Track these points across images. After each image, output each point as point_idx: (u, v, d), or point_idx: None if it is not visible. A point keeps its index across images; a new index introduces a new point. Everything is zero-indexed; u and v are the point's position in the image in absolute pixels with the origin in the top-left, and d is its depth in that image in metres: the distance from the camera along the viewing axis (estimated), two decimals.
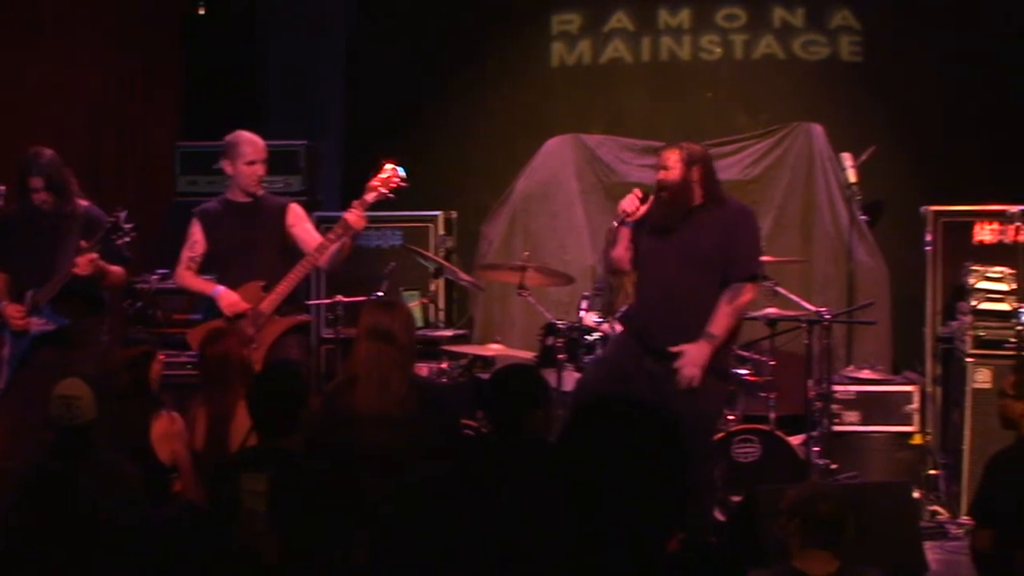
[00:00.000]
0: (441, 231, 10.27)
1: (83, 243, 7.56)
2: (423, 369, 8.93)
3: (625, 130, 11.05)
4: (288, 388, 5.75)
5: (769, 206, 10.56)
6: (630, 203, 7.36)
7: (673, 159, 7.33)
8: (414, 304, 9.53)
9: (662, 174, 7.36)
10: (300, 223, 8.08)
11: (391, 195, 7.93)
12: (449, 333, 9.79)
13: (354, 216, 7.80)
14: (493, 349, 9.21)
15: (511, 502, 5.21)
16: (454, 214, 10.52)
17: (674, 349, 7.09)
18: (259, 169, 8.03)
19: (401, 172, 7.90)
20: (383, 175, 7.88)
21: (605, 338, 8.57)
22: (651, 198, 7.33)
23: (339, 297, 8.85)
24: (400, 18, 11.45)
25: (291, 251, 7.95)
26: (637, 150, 10.80)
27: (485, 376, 8.82)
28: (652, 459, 3.22)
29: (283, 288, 7.80)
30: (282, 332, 7.81)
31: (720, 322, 7.15)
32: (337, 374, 7.89)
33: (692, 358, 7.08)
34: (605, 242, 7.70)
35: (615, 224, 7.47)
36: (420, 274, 9.69)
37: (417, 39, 11.36)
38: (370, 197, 7.84)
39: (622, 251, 7.47)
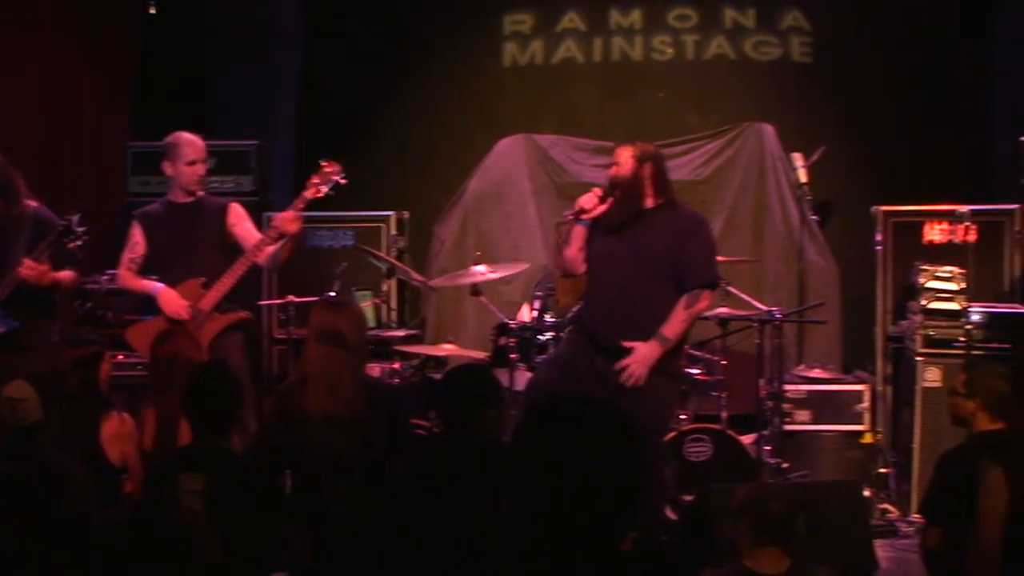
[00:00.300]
0: (393, 231, 10.25)
1: (35, 252, 7.51)
2: (375, 369, 8.91)
3: (577, 130, 11.05)
4: (222, 388, 5.75)
5: (720, 206, 10.58)
6: (588, 200, 7.37)
7: (625, 155, 7.37)
8: (366, 304, 9.51)
9: (614, 170, 7.40)
10: (241, 222, 8.06)
11: (332, 192, 7.90)
12: (401, 333, 9.77)
13: (287, 219, 7.76)
14: (445, 349, 9.19)
15: (464, 502, 5.20)
16: (406, 214, 10.49)
17: (627, 344, 7.09)
18: (199, 169, 8.02)
19: (338, 168, 7.86)
20: (321, 173, 7.86)
21: (557, 338, 8.57)
22: (609, 201, 7.34)
23: (291, 297, 8.83)
24: (352, 18, 11.40)
25: (232, 251, 7.93)
26: (589, 150, 10.80)
27: (437, 376, 8.81)
28: (604, 459, 3.21)
29: (222, 285, 7.78)
30: (222, 329, 7.78)
31: (674, 326, 7.16)
32: (288, 375, 7.86)
33: (641, 357, 7.09)
34: (556, 239, 7.69)
35: (569, 218, 7.46)
36: (372, 274, 9.66)
37: (369, 39, 11.32)
38: (309, 194, 7.82)
39: (575, 252, 7.46)
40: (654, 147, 7.60)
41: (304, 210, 7.82)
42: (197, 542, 5.37)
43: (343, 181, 7.88)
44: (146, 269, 8.02)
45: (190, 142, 8.02)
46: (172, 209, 8.07)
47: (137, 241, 8.04)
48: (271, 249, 7.82)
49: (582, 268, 7.51)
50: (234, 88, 11.35)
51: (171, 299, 7.78)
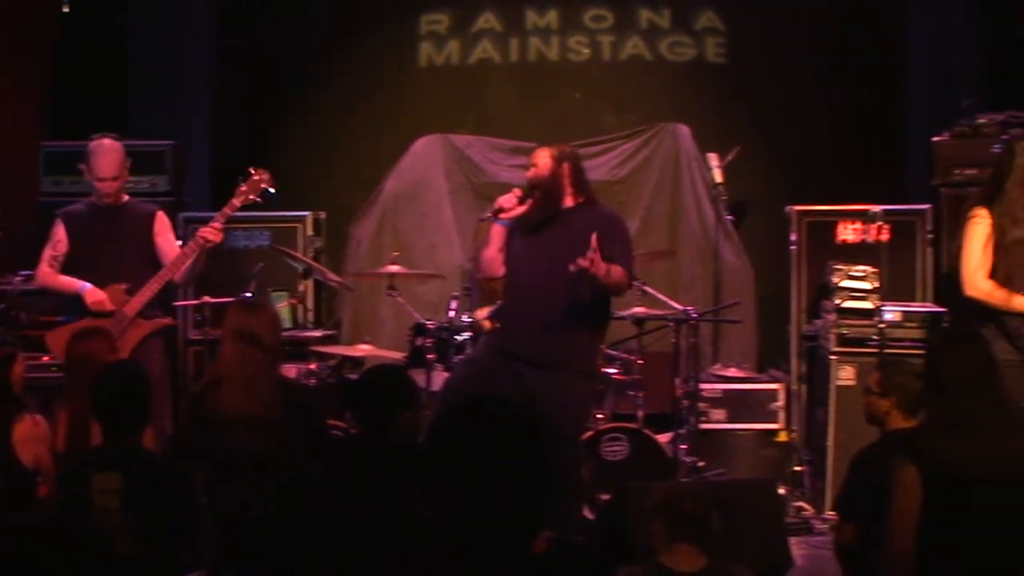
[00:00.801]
0: (309, 231, 10.20)
1: None
2: (291, 370, 8.85)
3: (494, 130, 11.06)
4: (130, 387, 5.71)
5: (636, 206, 10.62)
6: (508, 200, 7.37)
7: (543, 156, 7.38)
8: (283, 305, 9.45)
9: (532, 172, 7.39)
10: (165, 233, 8.08)
11: (259, 200, 7.89)
12: (318, 334, 9.72)
13: (210, 231, 7.76)
14: (362, 350, 9.17)
15: (380, 503, 5.19)
16: (322, 214, 10.45)
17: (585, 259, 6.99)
18: (107, 187, 7.95)
19: (268, 177, 7.85)
20: (250, 181, 7.83)
21: (475, 338, 8.57)
22: (529, 201, 7.34)
23: (206, 298, 8.77)
24: (267, 17, 11.35)
25: (154, 259, 7.90)
26: (506, 150, 10.82)
27: (354, 377, 8.79)
28: (518, 459, 3.21)
29: (146, 292, 7.76)
30: (144, 336, 7.75)
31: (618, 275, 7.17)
32: (204, 376, 7.82)
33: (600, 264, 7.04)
34: (475, 240, 7.68)
35: (488, 216, 7.46)
36: (288, 275, 9.61)
37: (285, 38, 11.27)
38: (237, 202, 7.82)
39: (495, 252, 7.45)
40: (571, 148, 7.63)
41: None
42: (113, 541, 5.32)
43: (272, 189, 7.87)
44: (66, 269, 7.96)
45: (102, 159, 7.95)
46: (97, 211, 8.03)
47: (60, 239, 7.99)
48: (187, 264, 7.81)
49: (501, 270, 7.50)
50: (149, 88, 11.26)
51: (99, 298, 7.73)
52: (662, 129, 10.84)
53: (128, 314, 7.72)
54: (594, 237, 6.89)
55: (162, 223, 8.07)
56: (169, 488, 5.52)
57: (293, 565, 5.34)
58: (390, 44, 11.38)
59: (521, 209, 7.35)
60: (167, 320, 8.10)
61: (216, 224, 7.79)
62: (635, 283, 8.89)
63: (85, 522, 5.32)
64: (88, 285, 7.80)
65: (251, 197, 7.84)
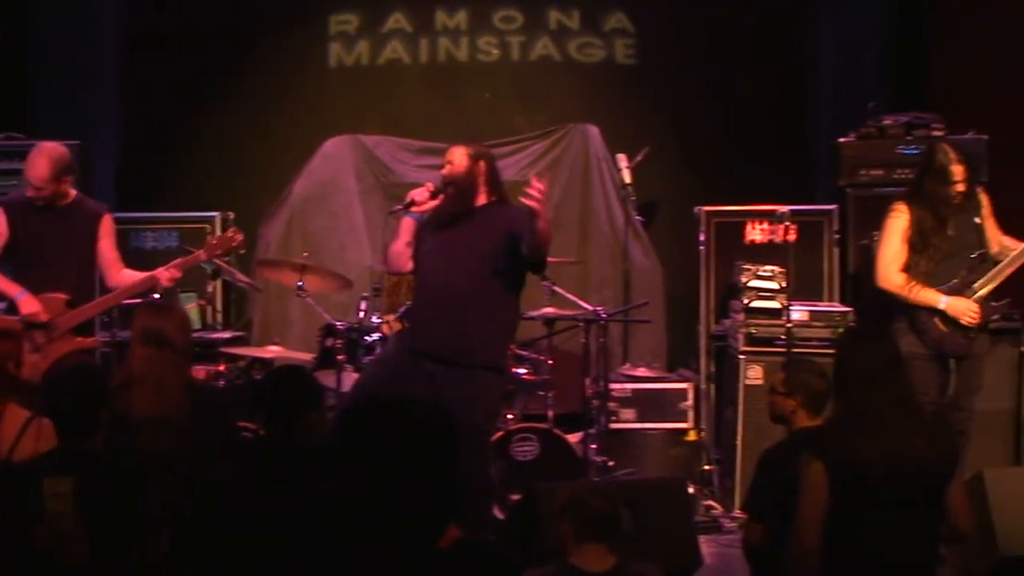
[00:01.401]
0: (218, 232, 10.13)
1: None
2: (201, 372, 8.80)
3: (403, 130, 11.04)
4: (85, 389, 5.65)
5: (546, 206, 10.61)
6: (420, 193, 7.37)
7: (459, 154, 7.39)
8: (191, 306, 9.41)
9: (447, 169, 7.40)
10: (108, 237, 8.03)
11: (226, 257, 7.92)
12: (227, 335, 9.68)
13: (166, 276, 7.78)
14: (272, 351, 9.13)
15: (289, 504, 5.17)
16: (231, 215, 10.37)
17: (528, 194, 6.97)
18: (31, 192, 7.85)
19: (242, 240, 7.85)
20: (223, 238, 7.83)
21: (384, 338, 8.55)
22: (440, 197, 7.34)
23: None
24: (176, 15, 11.24)
25: (93, 259, 7.85)
26: (415, 150, 10.80)
27: (260, 378, 8.75)
28: (426, 458, 3.22)
29: (87, 311, 7.78)
30: (69, 351, 7.66)
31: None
32: (113, 378, 7.75)
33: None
34: (385, 233, 7.65)
35: (399, 209, 7.44)
36: (197, 276, 9.51)
37: (194, 37, 11.17)
38: (202, 256, 7.83)
39: (403, 246, 7.43)
40: (486, 147, 7.66)
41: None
42: (65, 545, 5.28)
43: (242, 251, 7.88)
44: (2, 260, 7.88)
45: (31, 162, 7.86)
46: (40, 205, 7.91)
47: (0, 231, 7.89)
48: (132, 292, 7.78)
49: (408, 265, 7.49)
50: (55, 87, 11.14)
51: (33, 311, 7.64)
52: (571, 130, 10.87)
53: (62, 327, 7.65)
54: (533, 177, 6.97)
55: (107, 227, 8.00)
56: (118, 490, 5.47)
57: (205, 566, 5.31)
58: (299, 44, 11.33)
59: (432, 204, 7.35)
60: (93, 341, 8.05)
61: (175, 272, 7.78)
62: (545, 283, 8.95)
63: (38, 526, 5.29)
64: (24, 294, 7.69)
65: (218, 252, 7.84)
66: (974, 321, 7.58)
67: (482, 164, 7.40)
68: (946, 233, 7.65)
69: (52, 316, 7.66)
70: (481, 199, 7.39)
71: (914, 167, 8.36)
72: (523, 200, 6.93)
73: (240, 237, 7.92)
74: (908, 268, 7.64)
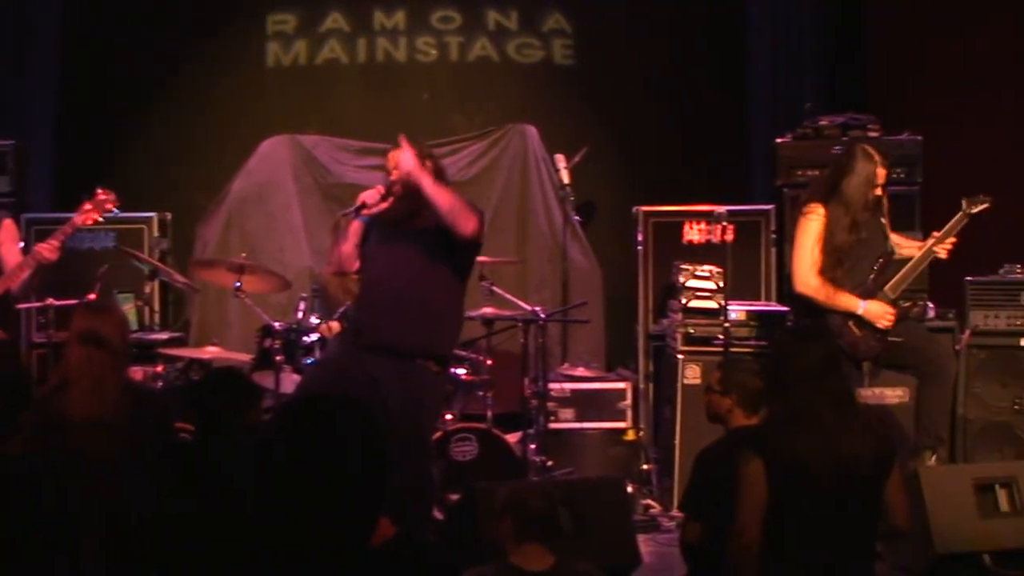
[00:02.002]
0: (155, 233, 10.10)
1: None
2: (138, 373, 8.78)
3: (342, 131, 11.02)
4: (6, 392, 5.63)
5: (485, 207, 10.54)
6: (371, 196, 7.33)
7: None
8: (128, 307, 9.38)
9: (395, 173, 7.34)
10: (9, 243, 7.87)
11: (101, 220, 7.80)
12: (165, 336, 9.65)
13: (47, 248, 7.62)
14: (210, 352, 9.10)
15: (225, 503, 5.17)
16: (168, 215, 10.34)
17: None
18: None
19: (113, 197, 7.75)
20: (95, 200, 7.73)
21: (323, 340, 8.55)
22: (390, 199, 7.32)
23: (50, 300, 8.65)
24: (113, 13, 11.17)
25: None
26: (353, 151, 10.79)
27: (197, 379, 8.72)
28: (358, 458, 3.23)
29: None
30: None
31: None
32: (49, 379, 7.71)
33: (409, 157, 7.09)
34: (334, 236, 7.61)
35: (350, 212, 7.42)
36: (134, 276, 9.51)
37: (131, 37, 11.11)
38: (78, 220, 7.70)
39: (351, 248, 7.41)
40: (429, 146, 7.66)
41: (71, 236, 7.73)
42: None
43: (116, 210, 7.78)
44: None
45: None
46: None
47: None
48: (24, 275, 7.64)
49: (355, 265, 7.48)
50: None
51: None
52: (510, 130, 10.88)
53: None
54: (401, 137, 7.05)
55: (8, 231, 7.90)
56: (32, 494, 5.44)
57: (141, 566, 5.31)
58: (237, 44, 11.30)
59: (383, 206, 7.33)
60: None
61: (54, 242, 7.63)
62: (484, 283, 8.97)
63: None
64: None
65: (94, 216, 7.72)
66: (890, 324, 7.61)
67: (428, 165, 7.39)
68: (860, 236, 7.66)
69: None
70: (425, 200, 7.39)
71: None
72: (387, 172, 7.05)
73: (111, 196, 7.81)
74: (823, 271, 7.64)
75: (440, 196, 7.06)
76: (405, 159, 7.02)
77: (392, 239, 7.31)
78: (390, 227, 7.33)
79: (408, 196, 7.31)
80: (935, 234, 7.80)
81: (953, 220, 7.77)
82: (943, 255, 7.82)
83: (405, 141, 7.05)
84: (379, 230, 7.38)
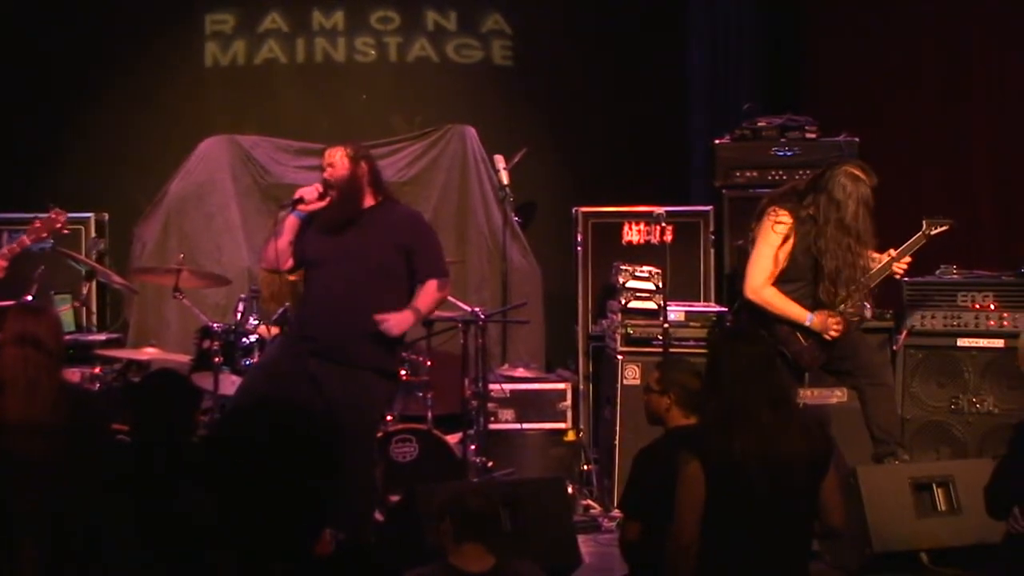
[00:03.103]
0: (93, 233, 10.04)
1: None
2: (75, 374, 8.72)
3: (280, 131, 10.98)
4: None
5: (425, 207, 10.61)
6: (309, 192, 7.30)
7: (339, 156, 7.32)
8: (65, 308, 9.31)
9: (329, 172, 7.32)
10: None
11: (51, 240, 7.75)
12: (102, 337, 9.60)
13: None
14: (148, 353, 9.06)
15: (164, 506, 5.13)
16: (106, 216, 10.29)
17: (378, 318, 7.09)
18: None
19: (65, 219, 7.69)
20: (47, 220, 7.66)
21: (262, 341, 8.52)
22: (327, 199, 7.29)
23: None
24: (49, 13, 11.09)
25: None
26: (292, 151, 10.75)
27: (136, 380, 8.67)
28: (301, 461, 3.22)
29: None
30: None
31: (426, 302, 7.34)
32: None
33: (397, 319, 7.15)
34: (270, 233, 7.56)
35: (287, 206, 7.38)
36: (71, 277, 9.45)
37: (68, 35, 11.02)
38: (28, 240, 7.63)
39: (285, 244, 7.36)
40: (364, 146, 7.63)
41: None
42: None
43: (66, 232, 7.72)
44: None
45: None
46: None
47: None
48: None
49: (288, 263, 7.44)
50: None
51: None
52: (449, 131, 10.87)
53: None
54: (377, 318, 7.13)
55: None
56: None
57: (78, 568, 5.27)
58: (175, 43, 11.24)
59: (319, 204, 7.30)
60: None
61: (1, 262, 7.59)
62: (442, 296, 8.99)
63: None
64: None
65: (43, 236, 7.67)
66: (837, 335, 7.59)
67: (363, 165, 7.36)
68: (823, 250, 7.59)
69: None
70: (367, 201, 7.36)
71: (788, 168, 8.43)
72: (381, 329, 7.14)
73: (63, 218, 7.76)
74: (779, 282, 7.60)
75: (431, 309, 7.39)
76: (392, 327, 7.17)
77: (335, 246, 7.28)
78: (331, 232, 7.30)
79: (345, 200, 7.29)
80: (891, 252, 7.76)
81: (912, 239, 7.78)
82: (900, 273, 7.84)
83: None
84: (320, 234, 7.34)
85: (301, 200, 7.31)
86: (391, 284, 7.29)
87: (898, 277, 7.88)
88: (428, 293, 7.33)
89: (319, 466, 3.25)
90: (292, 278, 8.11)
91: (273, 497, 3.17)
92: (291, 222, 7.38)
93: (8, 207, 9.96)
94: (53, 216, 7.71)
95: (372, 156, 7.57)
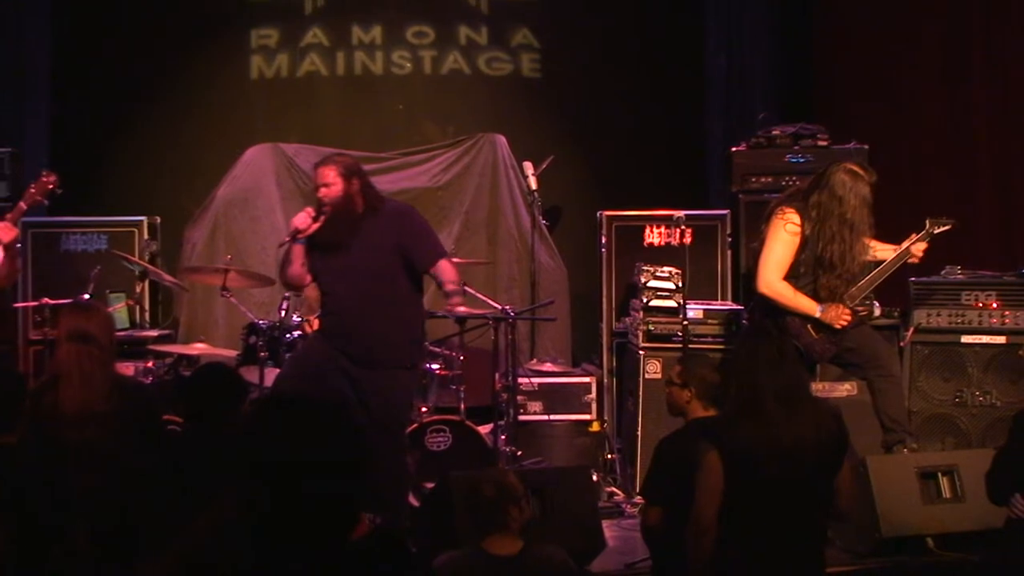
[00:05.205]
0: (146, 235, 10.05)
1: None
2: (129, 368, 8.76)
3: (321, 139, 10.96)
4: (4, 389, 5.60)
5: (457, 211, 10.65)
6: (302, 220, 7.29)
7: (332, 175, 7.28)
8: (120, 306, 9.34)
9: (323, 192, 7.27)
10: None
11: (45, 201, 7.74)
12: (155, 333, 9.62)
13: (2, 228, 7.53)
14: (198, 348, 9.08)
15: (212, 493, 5.13)
16: (158, 219, 10.30)
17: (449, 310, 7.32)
18: None
19: (55, 179, 7.68)
20: (39, 183, 7.64)
21: (304, 336, 8.53)
22: (322, 218, 7.26)
23: (46, 300, 8.61)
24: (106, 27, 11.12)
25: None
26: None
27: (187, 374, 8.70)
28: (336, 450, 3.21)
29: None
30: None
31: (449, 278, 7.34)
32: (43, 374, 7.66)
33: (456, 303, 7.31)
34: (280, 261, 7.58)
35: (287, 241, 7.37)
36: (126, 277, 9.48)
37: (123, 49, 11.04)
38: (24, 204, 7.60)
39: (298, 268, 7.38)
40: (353, 159, 7.60)
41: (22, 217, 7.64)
42: None
43: (58, 191, 7.70)
44: None
45: None
46: None
47: None
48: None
49: (307, 279, 7.47)
50: None
51: None
52: (481, 139, 10.86)
53: None
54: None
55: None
56: (34, 483, 5.41)
57: (130, 553, 5.28)
58: (223, 57, 11.27)
59: (315, 226, 7.27)
60: None
61: (8, 224, 7.56)
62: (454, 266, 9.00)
63: None
64: None
65: (38, 198, 7.66)
66: (846, 325, 7.58)
67: (355, 182, 7.32)
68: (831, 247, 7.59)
69: None
70: (360, 211, 7.33)
71: (801, 175, 8.40)
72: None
73: (54, 178, 7.74)
74: (788, 277, 7.60)
75: (458, 278, 7.46)
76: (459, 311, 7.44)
77: (341, 260, 7.27)
78: (332, 250, 7.28)
79: (340, 218, 7.25)
80: (895, 248, 7.78)
81: (917, 236, 7.77)
82: (917, 258, 7.84)
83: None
84: (321, 253, 7.33)
85: (298, 231, 7.29)
86: (397, 283, 7.29)
87: (915, 262, 7.86)
88: (446, 271, 7.32)
89: (351, 451, 3.24)
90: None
91: (310, 481, 3.16)
92: (297, 250, 7.36)
93: (67, 211, 9.99)
94: (45, 179, 7.69)
95: (362, 170, 7.51)
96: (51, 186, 7.67)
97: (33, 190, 7.64)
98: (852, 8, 10.90)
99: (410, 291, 7.37)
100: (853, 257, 7.54)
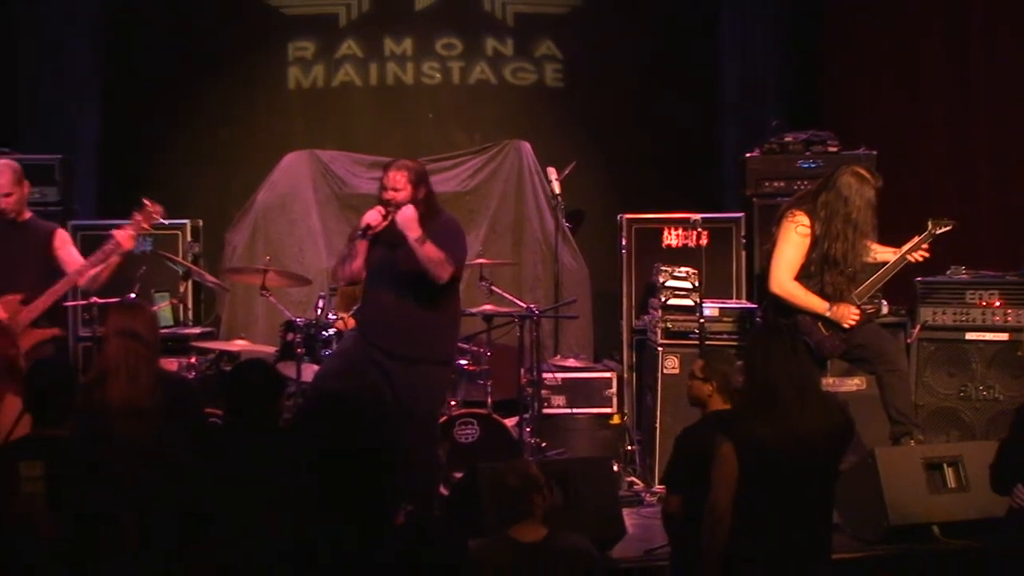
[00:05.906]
0: (189, 238, 10.08)
1: None
2: (173, 364, 8.78)
3: (356, 146, 11.00)
4: (58, 381, 5.62)
5: (484, 215, 10.66)
6: (374, 217, 7.28)
7: (401, 181, 7.26)
8: (164, 304, 9.37)
9: (391, 195, 7.26)
10: (65, 246, 7.73)
11: (150, 229, 7.78)
12: (197, 331, 9.64)
13: (124, 235, 7.55)
14: (238, 345, 9.10)
15: (254, 484, 5.15)
16: (200, 222, 10.32)
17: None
18: (5, 202, 7.59)
19: (160, 209, 7.70)
20: (144, 211, 7.65)
21: (340, 333, 8.54)
22: (390, 218, 7.26)
23: (94, 299, 8.63)
24: (151, 39, 11.15)
25: (54, 273, 7.63)
26: (366, 164, 10.74)
27: (229, 369, 8.72)
28: (372, 446, 3.22)
29: (41, 303, 7.46)
30: (34, 345, 7.42)
31: (431, 245, 7.15)
32: (91, 369, 7.68)
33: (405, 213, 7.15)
34: (344, 254, 7.55)
35: (357, 234, 7.37)
36: (170, 277, 9.50)
37: (167, 60, 11.07)
38: (139, 227, 7.62)
39: (360, 263, 7.38)
40: (420, 164, 7.57)
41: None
42: (38, 525, 5.24)
43: (164, 221, 7.76)
44: None
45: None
46: None
47: None
48: (92, 272, 7.56)
49: (363, 276, 7.49)
50: (37, 102, 11.02)
51: None
52: (507, 146, 10.86)
53: (22, 322, 7.44)
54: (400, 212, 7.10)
55: (61, 238, 7.72)
56: (88, 473, 5.43)
57: (177, 544, 5.29)
58: (262, 68, 11.30)
59: (384, 224, 7.29)
60: (56, 330, 7.79)
61: (129, 231, 7.59)
62: (483, 283, 8.99)
63: (13, 508, 5.24)
64: None
65: (144, 226, 7.68)
66: (855, 323, 7.59)
67: (423, 189, 7.32)
68: (842, 253, 7.59)
69: (10, 315, 7.44)
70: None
71: (813, 180, 8.38)
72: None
73: (159, 208, 7.74)
74: (800, 277, 7.61)
75: (422, 251, 7.10)
76: (406, 217, 7.10)
77: (391, 260, 7.28)
78: (387, 245, 7.30)
79: None
80: (896, 250, 7.78)
81: (920, 237, 7.77)
82: (918, 260, 7.83)
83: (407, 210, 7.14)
84: (378, 247, 7.35)
85: (369, 227, 7.28)
86: (435, 288, 7.24)
87: (916, 261, 7.84)
88: (436, 250, 7.17)
89: (386, 444, 3.25)
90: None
91: (359, 475, 3.17)
92: (362, 245, 7.36)
93: (115, 214, 10.02)
94: (150, 208, 7.69)
95: (428, 178, 7.51)
96: (156, 216, 7.70)
97: (140, 218, 7.64)
98: (859, 18, 10.87)
99: (448, 292, 7.36)
100: (856, 256, 7.57)
